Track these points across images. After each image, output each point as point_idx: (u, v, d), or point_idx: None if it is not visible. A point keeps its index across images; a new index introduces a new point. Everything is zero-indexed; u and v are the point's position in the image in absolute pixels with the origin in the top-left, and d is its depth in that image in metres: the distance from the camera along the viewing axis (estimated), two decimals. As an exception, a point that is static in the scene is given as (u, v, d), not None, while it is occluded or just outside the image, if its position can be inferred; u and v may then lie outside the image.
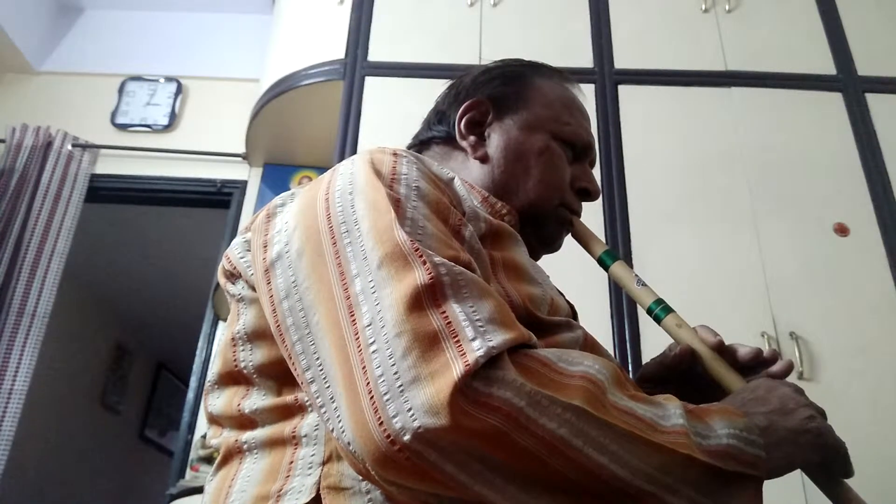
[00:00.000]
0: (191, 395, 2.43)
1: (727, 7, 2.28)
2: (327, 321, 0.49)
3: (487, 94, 0.80)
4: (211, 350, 2.49)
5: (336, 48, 2.25)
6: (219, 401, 0.62)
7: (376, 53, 2.22)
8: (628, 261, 1.86)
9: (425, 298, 0.47)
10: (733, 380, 0.65)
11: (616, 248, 1.87)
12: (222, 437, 0.61)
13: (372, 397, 0.44)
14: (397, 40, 2.25)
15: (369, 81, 2.16)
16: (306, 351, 0.51)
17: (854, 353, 1.74)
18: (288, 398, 0.57)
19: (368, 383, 0.44)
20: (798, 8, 2.30)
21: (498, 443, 0.43)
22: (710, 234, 1.91)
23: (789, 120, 2.09)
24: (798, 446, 0.54)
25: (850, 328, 1.78)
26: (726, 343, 0.70)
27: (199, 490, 2.00)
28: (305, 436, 0.54)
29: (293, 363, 0.52)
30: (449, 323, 0.46)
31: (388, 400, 0.43)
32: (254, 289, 0.60)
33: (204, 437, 2.18)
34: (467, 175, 0.76)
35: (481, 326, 0.46)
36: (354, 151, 2.01)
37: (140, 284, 4.26)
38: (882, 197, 1.96)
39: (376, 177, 0.56)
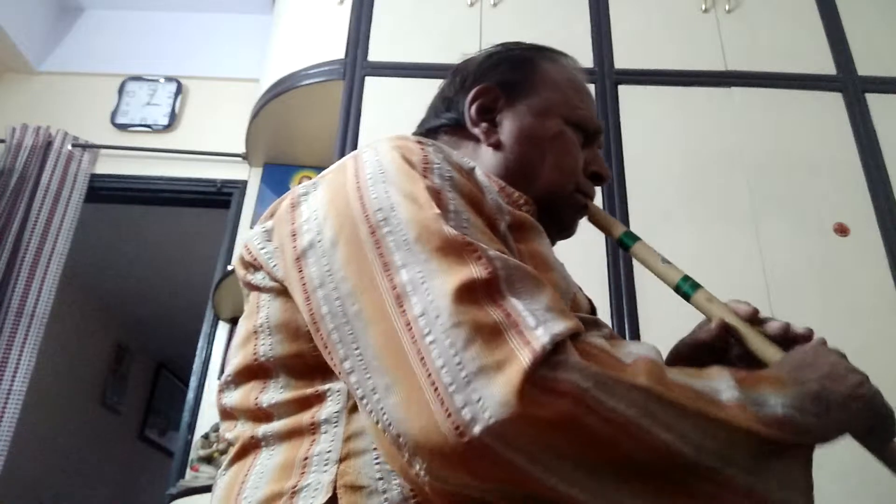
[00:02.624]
0: (191, 395, 2.43)
1: (727, 7, 2.27)
2: (372, 311, 0.48)
3: (496, 80, 0.78)
4: (211, 350, 2.49)
5: (336, 48, 2.25)
6: (234, 394, 0.61)
7: (376, 53, 2.22)
8: (628, 260, 1.86)
9: (481, 292, 0.46)
10: (772, 352, 0.64)
11: (616, 250, 1.88)
12: (237, 431, 0.60)
13: (436, 388, 0.43)
14: (397, 40, 2.25)
15: (369, 81, 2.16)
16: (343, 340, 0.50)
17: (854, 353, 1.73)
18: (307, 391, 0.55)
19: (430, 374, 0.43)
20: (798, 8, 2.30)
21: (568, 428, 0.43)
22: (710, 234, 1.91)
23: (789, 120, 2.09)
24: (849, 412, 0.54)
25: (850, 328, 1.78)
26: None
27: (199, 490, 1.99)
28: (325, 432, 0.53)
29: (329, 353, 0.52)
30: (508, 314, 0.45)
31: (454, 391, 0.42)
32: (276, 280, 0.59)
33: (205, 436, 2.18)
34: (480, 163, 0.74)
35: (541, 315, 0.46)
36: (354, 151, 2.01)
37: (140, 284, 4.25)
38: (882, 197, 1.96)
39: (408, 165, 0.55)
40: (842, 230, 1.91)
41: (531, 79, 0.78)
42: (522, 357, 0.43)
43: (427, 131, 0.82)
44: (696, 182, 1.99)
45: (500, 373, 0.42)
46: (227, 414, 0.62)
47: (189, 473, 2.16)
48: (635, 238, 0.75)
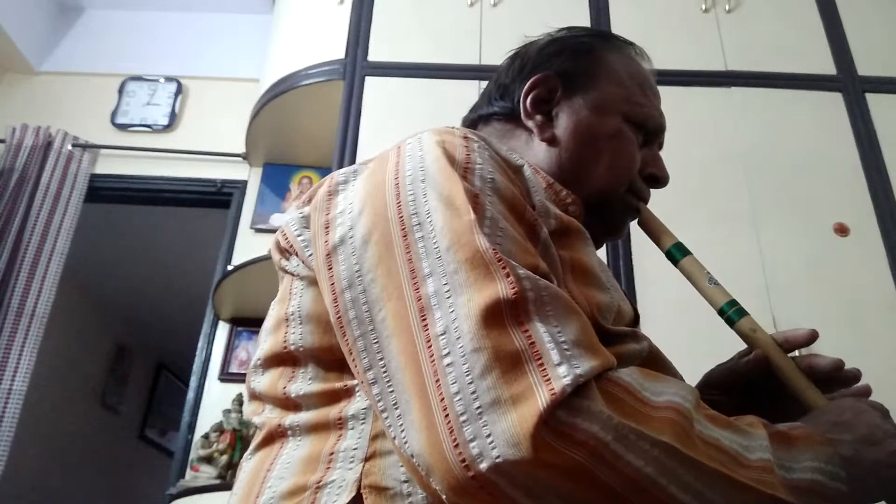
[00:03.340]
0: (191, 395, 2.42)
1: (727, 7, 2.28)
2: (395, 322, 0.47)
3: (555, 70, 0.73)
4: (211, 350, 2.49)
5: (336, 48, 2.25)
6: (263, 379, 0.59)
7: (376, 53, 2.22)
8: (628, 261, 1.86)
9: (506, 314, 0.44)
10: (813, 395, 0.61)
11: (616, 248, 1.87)
12: (264, 416, 0.58)
13: (447, 415, 0.42)
14: (397, 40, 2.25)
15: (369, 81, 2.16)
16: (369, 349, 0.48)
17: (854, 353, 1.73)
18: (336, 384, 0.54)
19: (443, 399, 0.42)
20: (798, 8, 2.30)
21: (578, 478, 0.41)
22: (710, 234, 1.91)
23: (789, 120, 2.09)
24: (880, 480, 0.51)
25: (850, 328, 1.78)
26: (805, 350, 0.66)
27: (199, 490, 1.99)
28: (352, 428, 0.52)
29: (353, 359, 0.50)
30: (532, 343, 0.43)
31: (465, 421, 0.41)
32: (310, 268, 0.57)
33: (205, 436, 2.18)
34: (531, 156, 0.71)
35: (567, 350, 0.43)
36: (354, 151, 2.01)
37: (140, 284, 4.25)
38: (882, 197, 1.96)
39: (449, 164, 0.53)
40: (842, 230, 1.91)
41: (593, 70, 0.73)
42: (540, 397, 0.40)
43: (479, 117, 0.78)
44: (696, 182, 1.99)
45: (514, 409, 0.40)
46: (255, 397, 0.61)
47: (189, 473, 2.16)
48: (685, 252, 0.72)
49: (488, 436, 0.40)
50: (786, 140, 2.06)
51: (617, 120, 0.71)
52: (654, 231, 0.75)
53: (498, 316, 0.44)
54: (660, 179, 0.76)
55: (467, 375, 0.42)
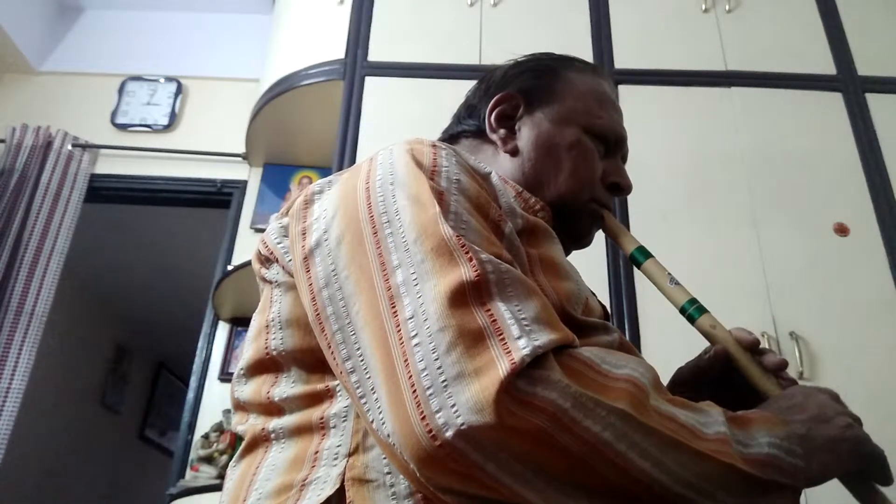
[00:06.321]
0: (191, 395, 2.43)
1: (727, 7, 2.28)
2: (368, 311, 0.49)
3: (518, 88, 0.79)
4: (211, 350, 2.49)
5: (336, 48, 2.26)
6: (247, 387, 0.61)
7: (376, 53, 2.22)
8: (627, 261, 1.85)
9: (470, 295, 0.46)
10: (768, 384, 0.65)
11: (616, 250, 1.87)
12: (248, 424, 0.60)
13: (414, 391, 0.44)
14: (397, 40, 2.25)
15: (369, 81, 2.16)
16: (346, 341, 0.51)
17: (854, 353, 1.74)
18: (318, 386, 0.56)
19: (411, 376, 0.44)
20: (798, 8, 2.30)
21: (541, 443, 0.43)
22: (710, 234, 1.91)
23: (789, 120, 2.09)
24: (836, 455, 0.54)
25: (850, 328, 1.78)
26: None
27: (199, 490, 1.99)
28: (334, 427, 0.54)
29: (332, 353, 0.52)
30: (494, 321, 0.45)
31: (430, 394, 0.43)
32: (290, 274, 0.60)
33: (205, 436, 2.18)
34: (498, 168, 0.75)
35: (527, 325, 0.46)
36: (354, 151, 2.01)
37: (140, 284, 4.26)
38: (882, 197, 1.96)
39: (417, 167, 0.56)
40: (842, 230, 1.91)
41: (553, 87, 0.78)
42: (501, 367, 0.43)
43: (449, 137, 0.83)
44: (696, 182, 1.99)
45: (477, 380, 0.42)
46: (240, 407, 0.63)
47: (189, 473, 2.16)
48: (647, 255, 0.75)
49: (453, 406, 0.42)
50: (786, 140, 2.06)
51: (576, 131, 0.76)
52: (618, 236, 0.78)
53: (462, 297, 0.46)
54: (622, 188, 0.79)
55: (433, 353, 0.44)
